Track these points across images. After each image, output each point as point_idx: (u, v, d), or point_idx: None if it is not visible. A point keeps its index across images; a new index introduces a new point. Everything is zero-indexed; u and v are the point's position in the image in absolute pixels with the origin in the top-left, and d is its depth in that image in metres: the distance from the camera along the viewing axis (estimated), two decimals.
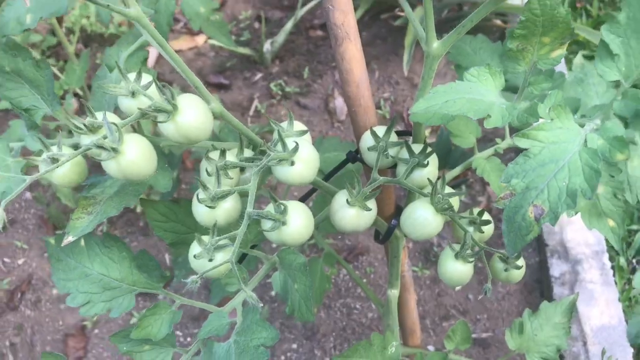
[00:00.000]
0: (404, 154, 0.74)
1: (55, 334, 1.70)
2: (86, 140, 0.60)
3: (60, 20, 1.96)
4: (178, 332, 1.66)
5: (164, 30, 0.99)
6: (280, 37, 2.20)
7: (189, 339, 1.66)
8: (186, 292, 1.46)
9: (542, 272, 1.71)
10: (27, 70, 0.69)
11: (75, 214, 0.63)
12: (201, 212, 0.64)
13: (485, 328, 1.65)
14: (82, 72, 1.45)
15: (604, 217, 0.87)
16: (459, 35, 0.67)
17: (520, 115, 0.57)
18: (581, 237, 1.69)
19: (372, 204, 0.72)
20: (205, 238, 0.64)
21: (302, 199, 0.82)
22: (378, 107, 2.07)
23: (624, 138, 0.51)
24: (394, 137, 0.75)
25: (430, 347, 1.63)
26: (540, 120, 0.55)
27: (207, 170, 0.67)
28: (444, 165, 1.38)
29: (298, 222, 0.64)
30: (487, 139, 1.53)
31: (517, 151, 0.55)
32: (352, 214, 0.71)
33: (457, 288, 1.72)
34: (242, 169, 0.71)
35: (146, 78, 0.64)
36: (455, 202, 0.72)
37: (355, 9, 2.12)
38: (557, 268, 1.65)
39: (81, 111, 1.97)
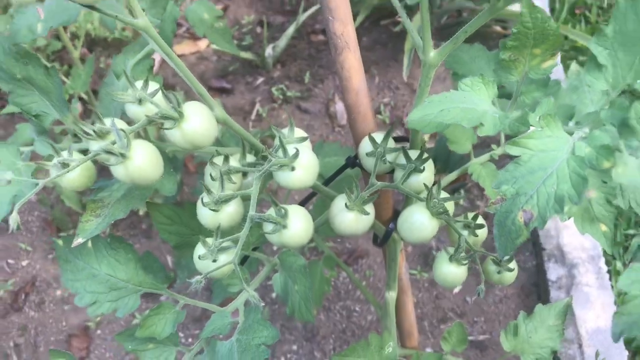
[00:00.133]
0: (401, 159, 0.76)
1: (59, 334, 1.72)
2: (95, 145, 0.62)
3: (65, 25, 1.99)
4: (180, 333, 1.68)
5: (167, 37, 1.01)
6: (282, 42, 2.23)
7: (190, 340, 1.69)
8: (189, 292, 1.48)
9: (539, 276, 1.73)
10: (37, 77, 0.71)
11: (84, 217, 0.66)
12: (205, 215, 0.67)
13: (483, 330, 1.67)
14: (87, 77, 1.48)
15: (596, 222, 0.89)
16: (454, 46, 0.70)
17: (512, 124, 0.60)
18: (577, 241, 1.71)
19: (370, 208, 0.74)
20: (209, 240, 0.67)
21: (302, 203, 0.84)
22: (378, 112, 2.10)
23: (610, 146, 0.53)
24: (391, 144, 0.78)
25: (428, 349, 1.65)
26: (532, 129, 0.58)
27: (211, 175, 0.69)
28: (443, 169, 1.40)
29: (298, 225, 0.66)
30: (485, 144, 1.55)
31: (512, 157, 0.58)
32: (351, 218, 0.73)
33: (456, 290, 1.74)
34: (245, 174, 0.73)
35: (153, 86, 0.67)
36: (450, 206, 0.75)
37: (356, 15, 2.14)
38: (553, 272, 1.67)
39: (85, 115, 2.00)
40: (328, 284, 1.25)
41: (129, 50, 0.77)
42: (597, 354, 1.12)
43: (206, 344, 0.75)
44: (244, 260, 0.87)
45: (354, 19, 2.20)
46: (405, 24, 0.75)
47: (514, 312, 1.69)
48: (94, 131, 0.61)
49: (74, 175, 0.63)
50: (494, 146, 0.92)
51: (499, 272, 0.77)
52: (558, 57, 0.64)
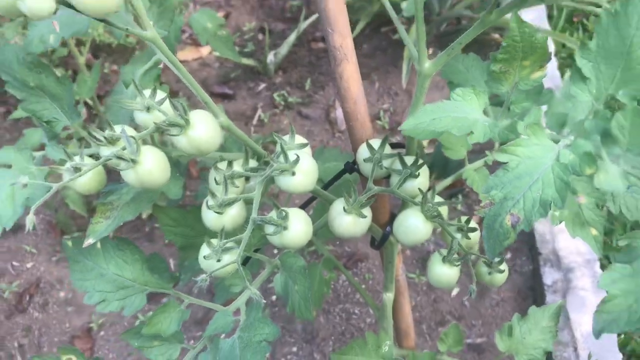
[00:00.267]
0: (397, 165, 0.79)
1: (62, 335, 1.75)
2: (105, 151, 0.65)
3: (76, 36, 2.02)
4: None
5: (171, 45, 1.05)
6: (284, 49, 2.26)
7: (192, 342, 1.71)
8: (193, 293, 1.51)
9: (535, 280, 1.76)
10: (49, 85, 0.75)
11: (94, 219, 0.69)
12: (210, 217, 0.70)
13: (480, 333, 1.70)
14: (93, 83, 1.51)
15: (587, 226, 0.92)
16: (449, 57, 0.73)
17: (501, 132, 0.63)
18: (573, 246, 1.74)
19: (367, 211, 0.78)
20: (214, 241, 0.70)
21: (303, 207, 0.88)
22: (377, 117, 2.13)
23: (592, 154, 0.56)
24: (388, 150, 0.81)
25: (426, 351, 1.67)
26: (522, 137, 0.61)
27: (215, 179, 0.73)
28: (442, 175, 1.43)
29: (298, 227, 0.70)
30: (481, 150, 1.59)
31: (502, 163, 0.61)
32: (349, 221, 0.76)
33: (453, 294, 1.77)
34: (248, 179, 0.77)
35: (160, 94, 0.70)
36: (444, 210, 0.78)
37: (357, 22, 2.18)
38: (549, 276, 1.70)
39: (90, 120, 2.03)
40: (327, 286, 1.28)
41: (137, 60, 0.81)
42: (589, 356, 1.14)
43: (209, 341, 0.78)
44: (245, 262, 0.90)
45: (355, 26, 2.24)
46: (401, 35, 0.79)
47: (510, 315, 1.72)
48: (105, 137, 0.65)
49: (86, 179, 0.66)
50: (487, 153, 0.95)
51: (490, 274, 0.80)
52: (546, 69, 0.67)
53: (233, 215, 0.71)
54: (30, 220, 0.58)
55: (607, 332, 0.55)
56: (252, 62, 2.27)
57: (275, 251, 1.76)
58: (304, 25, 2.26)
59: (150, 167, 0.63)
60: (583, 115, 1.06)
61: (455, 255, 0.77)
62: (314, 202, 0.95)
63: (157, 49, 0.69)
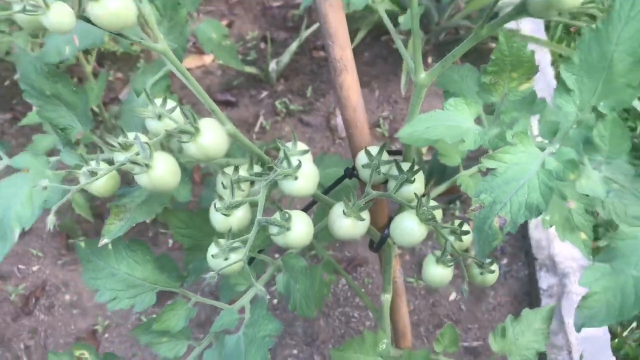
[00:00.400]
0: (394, 171, 0.83)
1: (68, 337, 1.78)
2: (120, 156, 0.70)
3: (91, 48, 2.07)
4: None
5: (180, 55, 1.09)
6: (285, 57, 2.31)
7: None
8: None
9: (531, 285, 1.79)
10: (65, 94, 0.79)
11: (109, 220, 0.73)
12: (218, 219, 0.75)
13: (477, 337, 1.74)
14: (100, 91, 1.56)
15: (576, 231, 0.96)
16: (443, 68, 0.77)
17: (491, 140, 0.67)
18: (568, 251, 1.77)
19: (365, 214, 0.82)
20: (222, 240, 0.74)
21: (304, 210, 0.92)
22: (377, 125, 2.17)
23: (575, 160, 0.61)
24: (386, 157, 0.85)
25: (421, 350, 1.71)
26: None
27: (222, 184, 0.77)
28: (440, 181, 1.47)
29: (300, 227, 0.74)
30: (480, 156, 1.63)
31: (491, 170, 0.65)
32: (348, 224, 0.80)
33: (451, 298, 1.81)
34: (253, 183, 0.81)
35: (170, 103, 0.75)
36: (438, 214, 0.82)
37: (358, 30, 2.23)
38: (545, 281, 1.73)
39: (96, 126, 2.08)
40: (327, 288, 1.32)
41: (146, 70, 0.85)
42: (581, 357, 1.18)
43: (215, 338, 0.82)
44: (250, 262, 0.94)
45: (356, 34, 2.28)
46: (398, 48, 0.83)
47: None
48: (119, 143, 0.69)
49: (101, 182, 0.70)
50: (481, 159, 0.99)
51: (481, 274, 0.84)
52: (534, 81, 0.71)
53: (239, 217, 0.75)
54: (50, 220, 0.62)
55: (588, 327, 0.59)
56: (255, 70, 2.31)
57: (277, 255, 1.80)
58: (305, 34, 2.31)
59: (163, 172, 0.67)
60: (568, 125, 1.11)
61: (449, 257, 0.81)
62: (315, 206, 0.99)
63: (167, 60, 0.73)
